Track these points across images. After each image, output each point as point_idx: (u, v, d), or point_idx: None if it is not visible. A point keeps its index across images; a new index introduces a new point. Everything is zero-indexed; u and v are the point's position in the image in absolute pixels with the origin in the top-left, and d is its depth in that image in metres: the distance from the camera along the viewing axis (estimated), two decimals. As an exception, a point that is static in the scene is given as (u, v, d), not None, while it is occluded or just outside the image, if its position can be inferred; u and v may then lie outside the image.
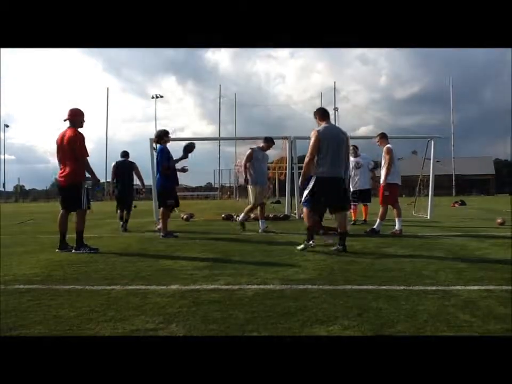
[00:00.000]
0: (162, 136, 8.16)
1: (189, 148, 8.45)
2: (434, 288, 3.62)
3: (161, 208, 8.01)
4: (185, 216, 12.33)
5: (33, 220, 12.94)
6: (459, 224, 10.39)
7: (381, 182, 8.23)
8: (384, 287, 3.65)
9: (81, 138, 6.21)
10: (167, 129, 8.46)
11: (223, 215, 12.47)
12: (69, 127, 6.30)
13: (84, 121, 6.45)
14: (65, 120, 6.30)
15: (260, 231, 8.58)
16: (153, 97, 61.01)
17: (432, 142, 12.34)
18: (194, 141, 9.11)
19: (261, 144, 8.97)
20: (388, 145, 8.26)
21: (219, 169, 53.22)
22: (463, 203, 23.25)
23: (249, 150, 8.89)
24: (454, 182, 57.20)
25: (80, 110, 6.44)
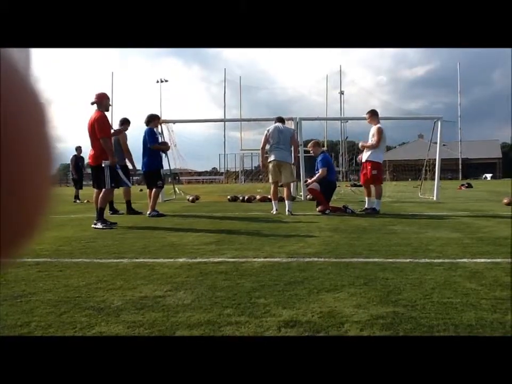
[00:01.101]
0: (152, 119, 8.43)
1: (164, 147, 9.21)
2: (440, 260, 3.62)
3: (152, 189, 8.15)
4: (191, 198, 12.39)
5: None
6: (465, 205, 10.35)
7: (366, 160, 8.20)
8: (390, 260, 3.65)
9: (101, 118, 6.53)
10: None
11: (228, 197, 12.50)
12: (95, 110, 6.63)
13: (109, 104, 6.85)
14: (92, 103, 6.66)
15: (286, 212, 7.80)
16: (158, 82, 60.66)
17: (439, 124, 12.24)
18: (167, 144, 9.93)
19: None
20: (379, 125, 8.20)
21: (224, 154, 53.19)
22: (469, 186, 23.16)
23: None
24: (460, 166, 56.87)
25: (105, 94, 6.87)
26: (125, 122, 8.89)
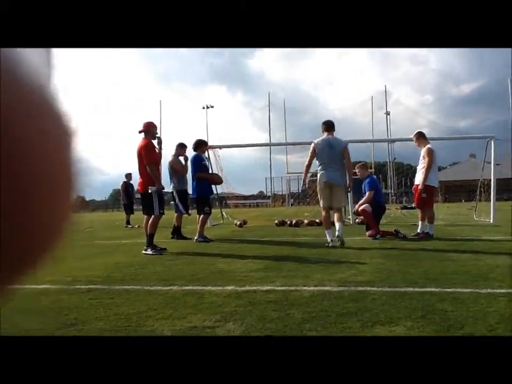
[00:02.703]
0: (199, 146, 8.56)
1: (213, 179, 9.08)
2: (503, 291, 3.40)
3: (200, 215, 8.23)
4: (238, 223, 12.41)
5: (91, 228, 13.45)
6: (525, 228, 9.79)
7: (419, 183, 7.87)
8: (448, 290, 3.46)
9: (148, 146, 6.70)
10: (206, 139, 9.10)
11: (276, 221, 12.43)
12: (143, 138, 6.81)
13: (156, 132, 7.02)
14: (140, 132, 6.86)
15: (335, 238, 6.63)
16: (204, 108, 62.08)
17: (492, 143, 11.77)
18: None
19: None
20: (429, 146, 7.89)
21: (271, 177, 53.39)
22: (528, 207, 22.02)
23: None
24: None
25: (153, 123, 7.02)
26: (180, 147, 9.07)
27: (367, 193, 8.03)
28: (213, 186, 9.37)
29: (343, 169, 6.87)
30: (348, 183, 7.06)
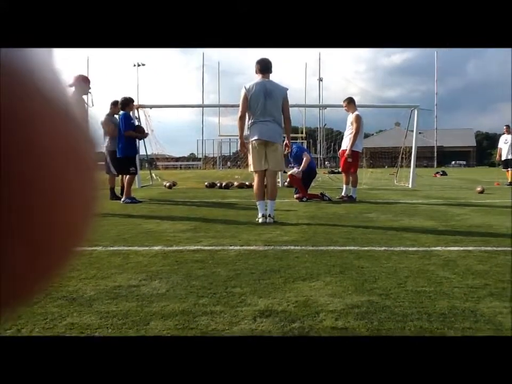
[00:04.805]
0: (127, 104, 8.27)
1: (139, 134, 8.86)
2: (415, 249, 3.67)
3: (126, 176, 8.05)
4: (168, 184, 12.27)
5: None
6: (440, 192, 10.53)
7: (346, 149, 8.15)
8: (366, 248, 3.68)
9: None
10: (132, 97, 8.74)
11: (206, 183, 12.43)
12: (73, 93, 6.37)
13: (89, 87, 6.69)
14: (70, 86, 6.34)
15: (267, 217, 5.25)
16: (135, 66, 59.57)
17: (416, 112, 12.36)
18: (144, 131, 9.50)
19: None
20: (357, 113, 8.16)
21: (203, 139, 52.92)
22: (444, 173, 23.56)
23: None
24: (435, 154, 57.76)
25: (85, 77, 6.74)
26: (114, 105, 8.67)
27: (304, 159, 8.05)
28: (142, 145, 9.13)
29: (281, 124, 5.38)
30: (284, 143, 5.69)
